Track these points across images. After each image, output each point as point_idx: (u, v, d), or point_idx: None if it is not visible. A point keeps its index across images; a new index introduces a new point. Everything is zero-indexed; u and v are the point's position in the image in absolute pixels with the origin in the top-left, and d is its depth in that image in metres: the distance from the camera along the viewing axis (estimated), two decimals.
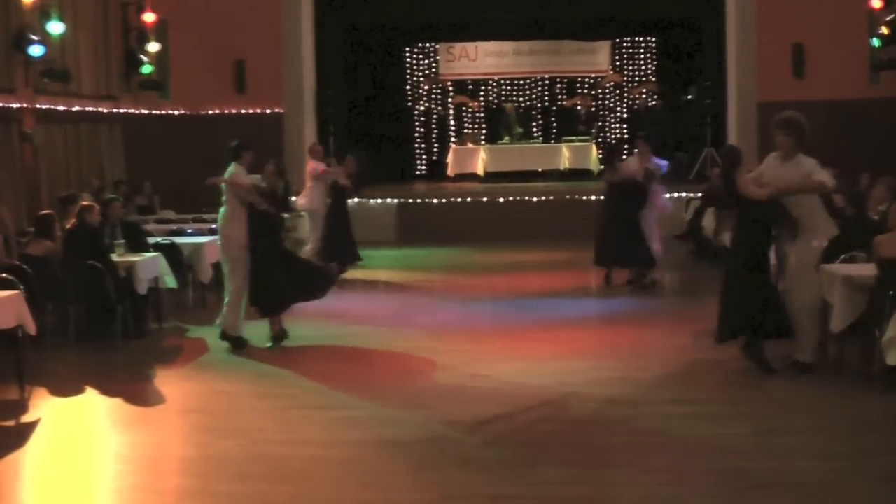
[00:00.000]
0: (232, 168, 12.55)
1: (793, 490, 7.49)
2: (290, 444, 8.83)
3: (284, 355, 12.10)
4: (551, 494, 7.51)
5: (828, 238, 10.68)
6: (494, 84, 31.46)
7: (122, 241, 13.74)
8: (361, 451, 8.60)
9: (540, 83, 31.44)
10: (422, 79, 31.43)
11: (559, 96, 31.44)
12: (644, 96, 30.99)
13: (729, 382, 10.54)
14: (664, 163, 16.22)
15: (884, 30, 21.06)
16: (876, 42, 21.48)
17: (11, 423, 9.76)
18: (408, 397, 10.13)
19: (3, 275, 11.46)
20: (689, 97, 27.80)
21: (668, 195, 16.91)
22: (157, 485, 8.08)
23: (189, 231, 16.56)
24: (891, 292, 9.48)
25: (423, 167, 31.09)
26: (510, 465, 8.16)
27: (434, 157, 30.89)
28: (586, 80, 31.30)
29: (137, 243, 14.15)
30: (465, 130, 30.93)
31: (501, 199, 22.99)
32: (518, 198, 23.09)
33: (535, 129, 30.95)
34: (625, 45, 31.18)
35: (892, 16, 20.91)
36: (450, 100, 31.45)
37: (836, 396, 9.89)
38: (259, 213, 12.32)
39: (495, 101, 31.38)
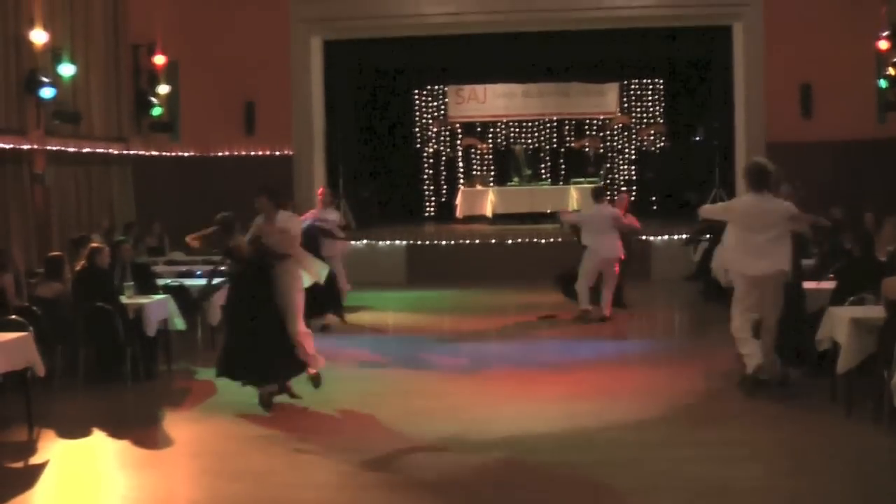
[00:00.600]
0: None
1: None
2: (300, 486, 8.82)
3: (290, 399, 12.09)
4: None
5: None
6: (503, 126, 31.54)
7: (132, 282, 13.77)
8: (372, 494, 8.59)
9: (548, 125, 31.52)
10: (430, 121, 31.53)
11: (568, 138, 31.50)
12: (652, 137, 31.05)
13: (739, 424, 10.52)
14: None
15: (891, 70, 21.10)
16: (883, 83, 21.53)
17: (20, 464, 9.75)
18: (417, 440, 10.11)
19: (13, 316, 11.50)
20: (698, 138, 27.85)
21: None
22: None
23: (198, 273, 16.54)
24: None
25: (432, 209, 31.15)
26: None
27: (443, 199, 30.95)
28: (595, 121, 31.38)
29: (147, 285, 14.16)
30: (474, 172, 31.00)
31: (510, 241, 22.98)
32: (527, 240, 23.09)
33: (543, 171, 30.97)
34: (633, 86, 31.26)
35: None
36: (458, 142, 31.53)
37: (845, 438, 9.88)
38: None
39: (504, 142, 31.45)
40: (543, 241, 22.84)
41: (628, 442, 9.92)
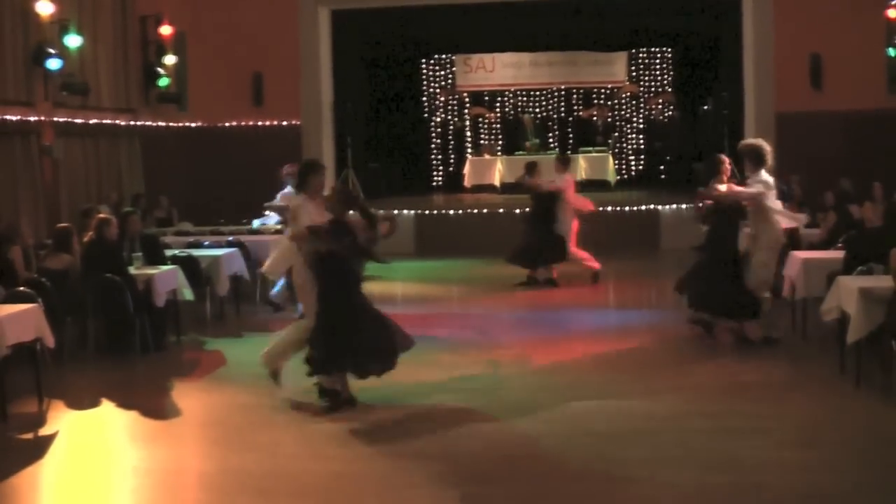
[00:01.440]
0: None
1: None
2: (309, 458, 8.85)
3: (302, 370, 12.08)
4: None
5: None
6: (511, 95, 31.50)
7: (140, 254, 13.78)
8: (380, 465, 8.61)
9: (557, 94, 31.47)
10: (438, 90, 31.48)
11: (576, 107, 31.46)
12: (661, 107, 30.97)
13: (748, 396, 10.51)
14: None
15: None
16: (893, 52, 21.45)
17: (30, 436, 9.79)
18: (426, 411, 10.13)
19: (22, 288, 11.53)
20: (706, 108, 27.78)
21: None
22: (175, 499, 8.11)
23: (206, 243, 16.58)
24: None
25: (440, 179, 31.12)
26: (529, 478, 8.17)
27: (451, 169, 30.92)
28: (603, 91, 31.32)
29: (155, 256, 14.16)
30: (482, 142, 30.96)
31: (518, 211, 22.95)
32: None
33: (551, 141, 30.93)
34: (641, 55, 31.19)
35: None
36: (466, 111, 31.48)
37: (854, 409, 9.89)
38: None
39: (512, 112, 31.41)
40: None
41: (637, 414, 9.93)
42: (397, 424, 9.74)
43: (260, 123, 23.84)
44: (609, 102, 31.25)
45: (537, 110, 31.41)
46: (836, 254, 13.01)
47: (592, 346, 13.01)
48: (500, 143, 30.81)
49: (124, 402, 10.88)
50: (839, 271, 11.67)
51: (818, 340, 12.46)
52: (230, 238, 17.09)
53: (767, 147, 12.75)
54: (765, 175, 12.52)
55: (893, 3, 21.42)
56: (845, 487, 7.76)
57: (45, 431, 9.91)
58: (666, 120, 30.70)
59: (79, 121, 18.56)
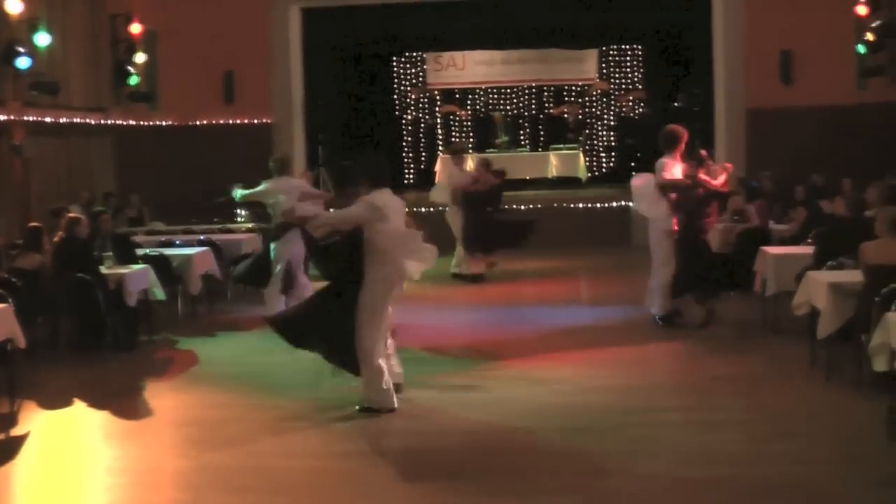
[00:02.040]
0: None
1: (784, 496, 7.53)
2: (284, 455, 8.84)
3: (275, 367, 12.10)
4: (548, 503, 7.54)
5: None
6: (482, 93, 31.49)
7: (111, 253, 13.73)
8: (355, 462, 8.62)
9: (528, 92, 31.47)
10: (410, 88, 31.46)
11: (547, 104, 31.48)
12: (632, 104, 31.04)
13: (721, 390, 10.58)
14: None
15: (870, 36, 21.14)
16: (862, 49, 21.56)
17: (1, 436, 9.74)
18: (400, 407, 10.12)
19: None
20: (677, 104, 27.84)
21: None
22: (150, 498, 8.08)
23: (178, 242, 16.52)
24: (877, 299, 9.52)
25: (412, 176, 31.09)
26: (503, 474, 8.19)
27: (423, 166, 30.89)
28: (574, 88, 31.33)
29: (127, 255, 14.11)
30: (454, 139, 30.94)
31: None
32: (506, 206, 23.07)
33: (522, 138, 30.96)
34: (612, 52, 31.23)
35: (879, 22, 20.99)
36: (438, 109, 31.47)
37: (825, 402, 9.96)
38: None
39: (483, 109, 31.41)
40: (523, 207, 22.86)
41: (611, 408, 9.97)
42: (372, 421, 9.73)
43: (231, 121, 23.77)
44: (580, 100, 31.27)
45: (508, 108, 31.42)
46: (807, 249, 13.10)
47: (565, 341, 13.04)
48: (471, 140, 30.80)
49: (97, 402, 10.84)
50: (810, 266, 11.74)
51: (789, 335, 12.53)
52: (202, 237, 17.05)
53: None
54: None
55: None
56: (817, 479, 7.81)
57: (17, 432, 9.87)
58: (637, 117, 30.76)
59: (49, 120, 18.49)
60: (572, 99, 31.27)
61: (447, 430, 9.38)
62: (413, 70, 31.47)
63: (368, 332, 9.86)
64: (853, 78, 22.22)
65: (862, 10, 21.53)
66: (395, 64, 31.40)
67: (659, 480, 7.91)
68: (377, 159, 10.82)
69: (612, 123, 31.25)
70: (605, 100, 31.33)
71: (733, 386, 10.71)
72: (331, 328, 9.98)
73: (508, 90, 31.48)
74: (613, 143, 30.97)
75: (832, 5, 22.15)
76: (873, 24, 21.06)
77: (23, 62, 16.84)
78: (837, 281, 10.61)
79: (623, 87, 31.28)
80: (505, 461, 8.51)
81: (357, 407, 10.00)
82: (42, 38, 17.72)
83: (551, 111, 31.32)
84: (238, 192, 14.63)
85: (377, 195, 10.00)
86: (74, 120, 19.50)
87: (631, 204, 14.22)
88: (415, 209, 23.28)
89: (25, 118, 17.56)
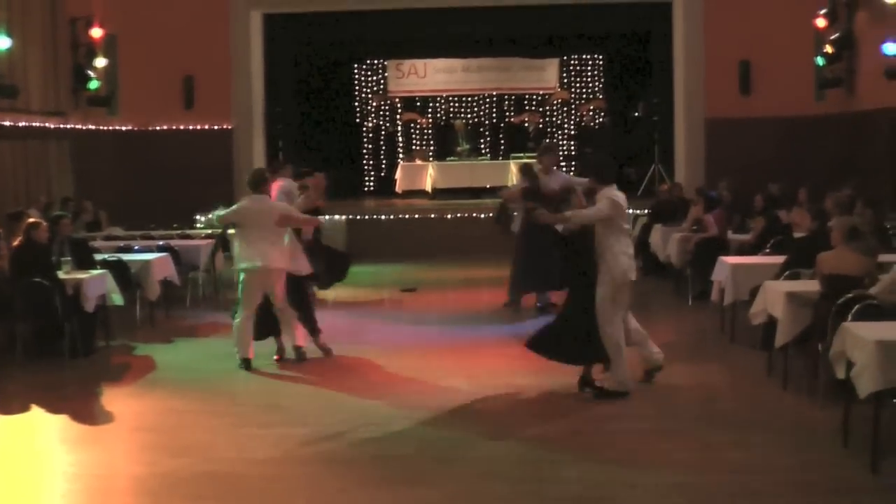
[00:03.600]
0: None
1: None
2: (241, 462, 8.82)
3: (232, 374, 12.08)
4: None
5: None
6: (443, 101, 31.52)
7: (69, 258, 13.65)
8: (312, 468, 8.61)
9: (489, 100, 31.53)
10: (371, 95, 31.45)
11: (507, 113, 31.54)
12: (592, 113, 31.14)
13: (678, 398, 10.63)
14: None
15: (828, 48, 21.37)
16: (821, 60, 21.77)
17: None
18: (358, 415, 10.13)
19: None
20: (637, 114, 27.99)
21: None
22: None
23: (137, 248, 16.46)
24: (833, 308, 9.60)
25: (372, 184, 31.06)
26: (461, 481, 8.20)
27: (383, 174, 30.89)
28: (535, 97, 31.42)
29: (85, 260, 14.03)
30: (414, 147, 30.98)
31: (450, 216, 23.03)
32: (467, 215, 23.15)
33: (483, 146, 31.01)
34: (573, 62, 31.33)
35: (837, 34, 21.20)
36: (398, 116, 31.48)
37: (781, 411, 10.05)
38: None
39: (444, 117, 31.43)
40: (483, 215, 22.89)
41: (567, 415, 10.00)
42: (329, 428, 9.73)
43: (191, 127, 23.72)
44: (541, 109, 31.35)
45: (469, 116, 31.45)
46: (765, 259, 13.21)
47: (524, 348, 13.04)
48: (431, 148, 30.84)
49: (53, 407, 10.78)
50: (776, 276, 11.81)
51: (746, 343, 12.61)
52: (160, 242, 16.98)
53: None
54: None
55: (822, 11, 21.74)
56: (773, 487, 7.87)
57: None
58: (597, 126, 30.86)
59: (7, 123, 18.39)
60: (533, 108, 31.34)
61: (405, 437, 9.39)
62: (374, 77, 31.46)
63: (613, 322, 10.44)
64: (811, 89, 22.45)
65: (821, 22, 21.78)
66: (356, 71, 31.38)
67: (613, 487, 7.94)
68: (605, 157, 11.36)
69: (572, 132, 31.33)
70: (565, 109, 31.42)
71: (689, 394, 10.78)
72: (575, 331, 10.50)
73: (469, 98, 31.53)
74: (573, 153, 31.03)
75: (791, 17, 22.37)
76: (832, 37, 21.27)
77: None
78: (794, 290, 10.70)
79: (583, 96, 31.38)
80: (462, 468, 8.52)
81: (594, 393, 10.57)
82: (1, 42, 17.63)
83: (512, 120, 31.39)
84: (215, 215, 14.14)
85: (615, 192, 10.49)
86: (33, 124, 19.40)
87: None
88: (374, 217, 23.33)
89: None
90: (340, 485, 8.19)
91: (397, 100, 31.45)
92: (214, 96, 23.51)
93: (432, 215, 23.46)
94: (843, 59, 21.29)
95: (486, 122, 31.55)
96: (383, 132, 31.41)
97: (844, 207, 12.99)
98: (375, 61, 31.32)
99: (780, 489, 7.84)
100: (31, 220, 13.31)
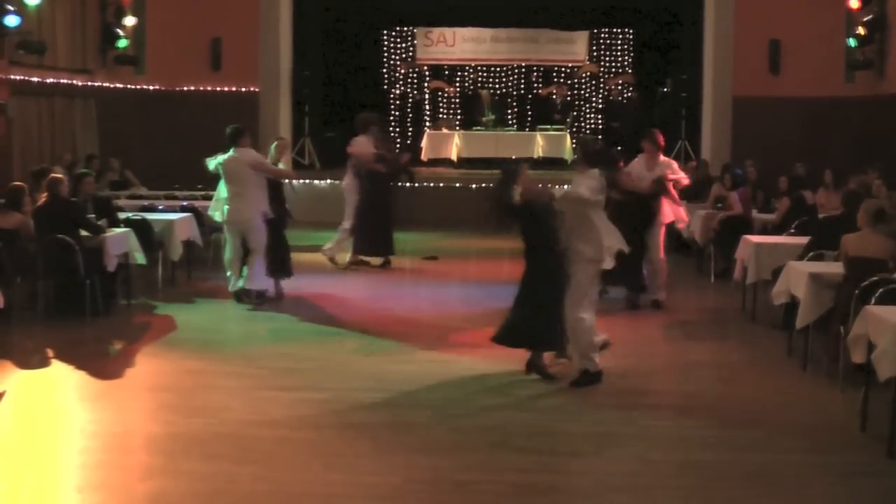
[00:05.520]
0: None
1: (754, 483, 7.56)
2: (256, 424, 8.83)
3: (252, 336, 12.11)
4: (516, 481, 7.54)
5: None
6: (471, 70, 31.39)
7: (93, 216, 13.65)
8: (327, 433, 8.62)
9: (516, 71, 31.38)
10: (398, 62, 31.35)
11: (535, 85, 31.41)
12: (620, 87, 30.98)
13: (696, 376, 10.61)
14: None
15: (861, 30, 21.20)
16: (852, 42, 21.61)
17: None
18: (375, 381, 10.14)
19: None
20: (665, 90, 27.84)
21: None
22: (122, 461, 8.07)
23: (160, 207, 16.47)
24: (856, 291, 9.54)
25: (398, 151, 30.95)
26: (475, 450, 8.19)
27: (409, 142, 30.81)
28: (563, 69, 31.25)
29: (108, 219, 14.04)
30: (441, 115, 30.88)
31: (474, 186, 22.97)
32: (491, 184, 23.03)
33: (509, 117, 30.91)
34: (603, 35, 31.15)
35: (870, 16, 21.03)
36: (426, 84, 31.38)
37: (800, 392, 10.00)
38: None
39: (471, 87, 31.32)
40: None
41: (583, 390, 9.96)
42: (346, 394, 9.73)
43: (217, 89, 23.69)
44: (569, 81, 31.18)
45: (496, 86, 31.32)
46: (789, 239, 13.15)
47: None
48: (458, 117, 30.71)
49: (73, 364, 10.81)
50: (799, 257, 11.76)
51: (767, 323, 12.57)
52: (184, 203, 16.99)
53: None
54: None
55: None
56: (788, 467, 7.85)
57: None
58: (624, 101, 30.71)
59: (34, 79, 18.41)
60: (561, 80, 31.16)
61: (420, 405, 9.39)
62: (403, 45, 31.34)
63: (585, 307, 10.13)
64: (841, 71, 22.29)
65: (854, 3, 21.58)
66: (384, 38, 31.28)
67: (629, 462, 7.93)
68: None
69: (599, 106, 31.18)
70: (593, 82, 31.26)
71: (708, 372, 10.75)
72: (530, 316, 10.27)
73: (497, 69, 31.39)
74: (600, 126, 30.91)
75: None
76: (865, 19, 21.10)
77: (11, 20, 16.77)
78: (817, 272, 10.64)
79: (612, 70, 31.21)
80: (476, 438, 8.51)
81: (571, 382, 10.12)
82: None
83: (539, 91, 31.23)
84: (211, 163, 14.27)
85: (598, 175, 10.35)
86: (60, 81, 19.42)
87: None
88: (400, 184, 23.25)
89: (11, 77, 17.46)
90: (355, 450, 8.19)
91: (425, 68, 31.33)
92: (242, 59, 23.47)
93: (457, 184, 23.40)
94: (875, 41, 21.12)
95: (514, 92, 31.40)
96: (410, 100, 31.32)
97: (866, 190, 12.93)
98: (404, 28, 31.18)
99: (793, 470, 7.80)
100: (53, 175, 13.30)
